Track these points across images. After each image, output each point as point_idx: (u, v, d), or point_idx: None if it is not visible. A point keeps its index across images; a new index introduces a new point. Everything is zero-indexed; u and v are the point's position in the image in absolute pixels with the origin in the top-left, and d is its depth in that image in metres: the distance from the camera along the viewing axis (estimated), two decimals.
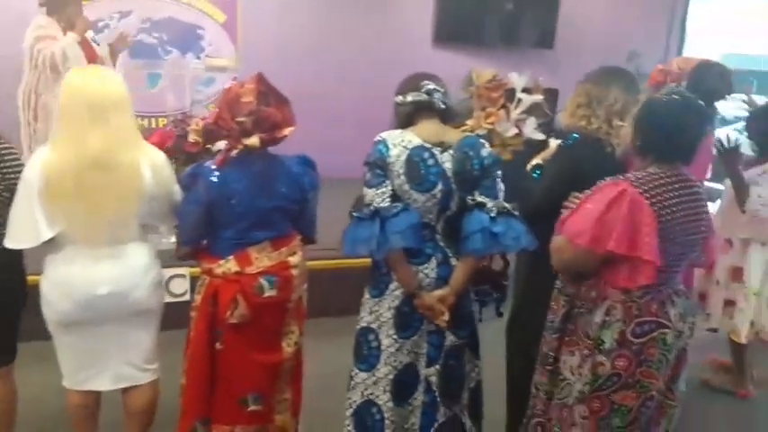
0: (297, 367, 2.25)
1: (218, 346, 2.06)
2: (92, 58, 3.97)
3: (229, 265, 2.01)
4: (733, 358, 3.23)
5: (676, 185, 1.76)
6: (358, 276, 2.22)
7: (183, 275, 3.41)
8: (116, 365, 2.08)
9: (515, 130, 3.50)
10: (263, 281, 2.02)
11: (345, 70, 5.72)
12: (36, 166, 1.88)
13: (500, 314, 4.03)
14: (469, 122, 3.64)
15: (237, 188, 1.97)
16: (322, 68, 5.71)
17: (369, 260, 2.10)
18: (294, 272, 2.09)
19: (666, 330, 1.79)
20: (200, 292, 2.07)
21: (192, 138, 3.29)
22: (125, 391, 2.15)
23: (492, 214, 1.98)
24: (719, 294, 3.09)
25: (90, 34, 4.17)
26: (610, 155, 2.12)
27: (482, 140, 2.06)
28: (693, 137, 1.79)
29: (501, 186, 3.70)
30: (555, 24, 6.31)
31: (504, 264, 3.97)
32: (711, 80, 2.89)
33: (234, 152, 2.00)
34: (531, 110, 3.52)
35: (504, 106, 3.54)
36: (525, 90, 3.55)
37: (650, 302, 1.79)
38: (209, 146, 3.35)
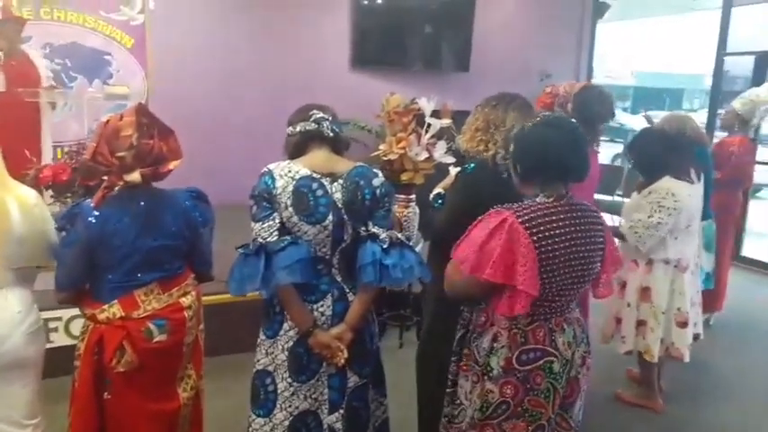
0: (196, 412, 2.13)
1: (106, 395, 1.92)
2: (28, 79, 3.88)
3: (113, 309, 1.88)
4: (642, 374, 3.31)
5: (561, 215, 1.75)
6: (258, 310, 2.13)
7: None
8: None
9: (426, 154, 3.51)
10: (151, 325, 1.90)
11: (261, 96, 5.64)
12: None
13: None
14: (382, 147, 3.63)
15: (119, 227, 1.85)
16: (236, 94, 5.63)
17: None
18: (187, 313, 1.98)
19: (553, 359, 1.79)
20: (83, 340, 1.94)
21: None
22: None
23: (384, 245, 1.94)
24: (631, 316, 3.13)
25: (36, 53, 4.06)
26: (507, 180, 2.12)
27: (375, 170, 2.02)
28: (569, 155, 1.76)
29: (416, 210, 3.73)
30: (470, 47, 6.46)
31: (424, 287, 3.97)
32: (593, 104, 2.99)
33: (115, 189, 1.87)
34: (441, 133, 3.54)
35: (414, 131, 3.55)
36: (434, 114, 3.57)
37: (536, 330, 1.79)
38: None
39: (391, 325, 4.00)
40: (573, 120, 1.91)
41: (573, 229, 1.76)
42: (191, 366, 2.06)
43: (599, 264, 1.85)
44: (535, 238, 1.70)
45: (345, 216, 1.93)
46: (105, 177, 1.87)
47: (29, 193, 1.90)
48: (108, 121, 1.87)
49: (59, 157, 4.38)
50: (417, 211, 3.68)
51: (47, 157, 4.11)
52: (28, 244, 1.87)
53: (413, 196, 3.65)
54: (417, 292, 4.09)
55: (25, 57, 3.99)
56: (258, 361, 2.03)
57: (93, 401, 1.91)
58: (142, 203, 1.89)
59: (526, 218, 1.72)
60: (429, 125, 3.48)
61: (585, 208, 1.83)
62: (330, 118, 2.00)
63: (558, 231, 1.73)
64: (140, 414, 1.94)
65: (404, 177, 3.52)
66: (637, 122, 10.25)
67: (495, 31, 6.63)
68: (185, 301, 1.98)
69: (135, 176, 1.82)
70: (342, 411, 1.99)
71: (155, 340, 1.91)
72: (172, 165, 1.89)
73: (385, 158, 3.50)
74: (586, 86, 3.15)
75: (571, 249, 1.74)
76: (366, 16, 6.09)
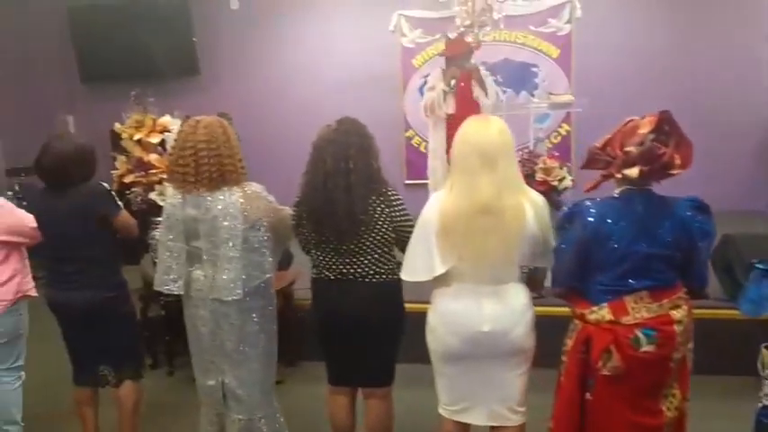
0: None
1: (587, 396, 1.95)
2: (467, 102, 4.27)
3: (603, 312, 1.89)
4: None
5: None
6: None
7: None
8: (491, 403, 2.10)
9: None
10: (639, 334, 1.85)
11: (693, 97, 5.15)
12: (434, 208, 2.05)
13: None
14: None
15: (615, 230, 1.86)
16: (664, 94, 5.25)
17: None
18: (677, 328, 1.86)
19: None
20: (571, 337, 2.00)
21: (539, 176, 3.30)
22: (493, 429, 2.16)
23: None
24: None
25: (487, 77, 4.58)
26: None
27: None
28: None
29: None
30: None
31: None
32: None
33: (616, 190, 1.91)
34: None
35: None
36: None
37: None
38: (555, 184, 3.33)
39: None
40: None
41: None
42: (676, 385, 1.94)
43: None
44: None
45: None
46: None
47: (539, 197, 2.06)
48: (631, 120, 1.91)
49: None
50: None
51: None
52: (538, 244, 2.01)
53: None
54: None
55: (476, 76, 4.42)
56: (766, 395, 1.77)
57: (576, 398, 1.96)
58: (640, 208, 1.86)
59: None
60: None
61: None
62: None
63: None
64: (620, 422, 1.91)
65: None
66: None
67: None
68: (676, 314, 1.87)
69: (633, 171, 1.82)
70: None
71: (642, 350, 1.85)
72: (675, 171, 1.82)
73: None
74: None
75: None
76: None
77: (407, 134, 5.81)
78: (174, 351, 3.73)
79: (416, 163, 5.46)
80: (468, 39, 4.28)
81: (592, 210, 1.89)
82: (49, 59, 6.28)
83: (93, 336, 2.64)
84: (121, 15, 5.96)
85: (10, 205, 2.68)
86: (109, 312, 2.61)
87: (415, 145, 5.79)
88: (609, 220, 1.86)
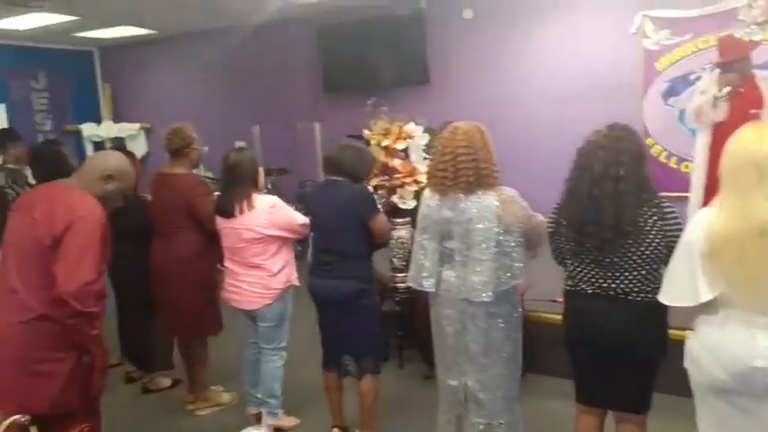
0: None
1: None
2: (751, 102, 3.81)
3: None
4: None
5: None
6: None
7: None
8: None
9: None
10: None
11: None
12: (700, 228, 1.85)
13: None
14: None
15: None
16: None
17: None
18: None
19: None
20: None
21: None
22: None
23: None
24: None
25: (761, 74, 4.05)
26: None
27: None
28: None
29: None
30: None
31: None
32: None
33: None
34: None
35: None
36: None
37: None
38: None
39: None
40: None
41: None
42: None
43: None
44: None
45: None
46: None
47: None
48: None
49: None
50: None
51: None
52: None
53: None
54: None
55: (751, 81, 3.91)
56: None
57: None
58: None
59: None
60: None
61: None
62: None
63: None
64: None
65: None
66: None
67: None
68: None
69: None
70: None
71: None
72: None
73: None
74: None
75: None
76: None
77: (646, 142, 5.37)
78: (404, 345, 3.89)
79: (656, 174, 4.97)
80: (757, 37, 3.75)
81: None
82: (299, 73, 6.99)
83: (341, 324, 2.86)
84: (364, 31, 6.40)
85: (281, 203, 3.01)
86: (359, 303, 2.81)
87: (655, 154, 5.32)
88: None
